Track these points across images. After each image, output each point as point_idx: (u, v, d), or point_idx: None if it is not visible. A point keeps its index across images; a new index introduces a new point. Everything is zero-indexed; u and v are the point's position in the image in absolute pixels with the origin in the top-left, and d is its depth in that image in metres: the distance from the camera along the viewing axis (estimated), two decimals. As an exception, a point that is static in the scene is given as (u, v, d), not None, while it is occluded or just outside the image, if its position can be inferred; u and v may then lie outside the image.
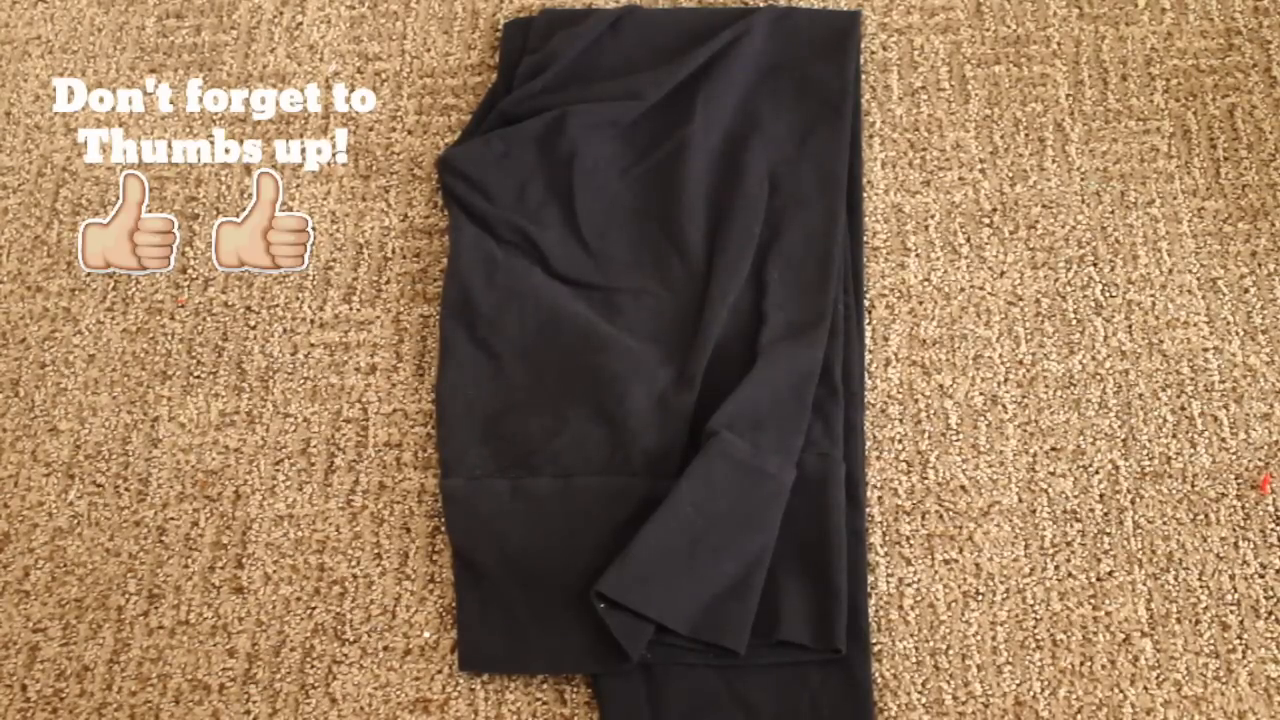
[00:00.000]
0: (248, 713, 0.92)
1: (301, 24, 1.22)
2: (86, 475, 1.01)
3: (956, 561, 0.95)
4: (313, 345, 1.06)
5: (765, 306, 1.02)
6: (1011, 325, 1.03)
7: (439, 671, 0.93)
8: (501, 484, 0.97)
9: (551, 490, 0.96)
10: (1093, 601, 0.93)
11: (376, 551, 0.97)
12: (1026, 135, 1.12)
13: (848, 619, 0.91)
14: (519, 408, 1.00)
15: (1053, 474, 0.97)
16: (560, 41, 1.15)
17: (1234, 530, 0.95)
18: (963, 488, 0.97)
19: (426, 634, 0.94)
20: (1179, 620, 0.92)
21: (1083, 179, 1.09)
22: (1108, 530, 0.95)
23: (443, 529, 0.97)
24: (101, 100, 1.19)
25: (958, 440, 0.99)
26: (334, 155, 1.15)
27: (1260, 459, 0.97)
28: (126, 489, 1.00)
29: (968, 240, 1.07)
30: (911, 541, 0.95)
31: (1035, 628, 0.92)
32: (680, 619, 0.89)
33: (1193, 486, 0.96)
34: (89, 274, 1.10)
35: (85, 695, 0.93)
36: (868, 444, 0.99)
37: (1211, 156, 1.10)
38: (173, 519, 0.99)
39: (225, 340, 1.06)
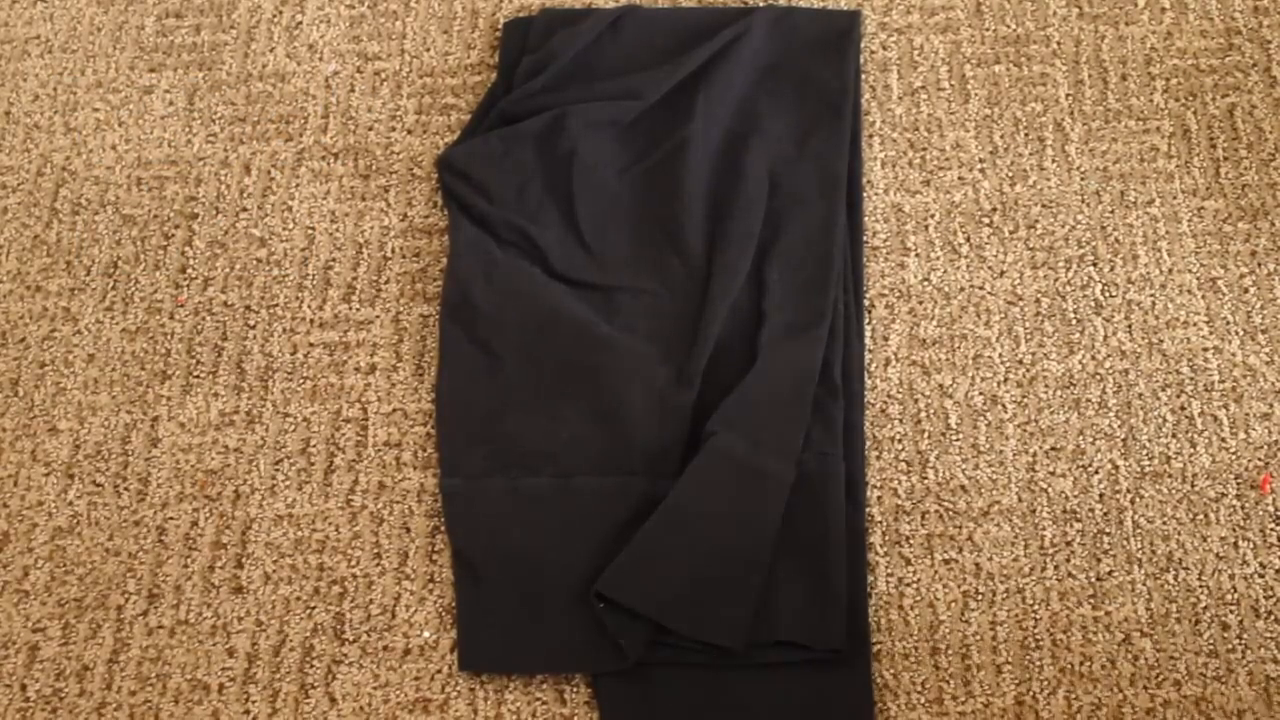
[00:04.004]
0: (247, 713, 0.92)
1: (301, 23, 1.22)
2: (86, 475, 1.01)
3: (956, 561, 0.95)
4: (312, 345, 1.06)
5: (765, 306, 1.02)
6: (1011, 325, 1.03)
7: (439, 671, 0.93)
8: (501, 484, 0.97)
9: (551, 490, 0.96)
10: (1092, 601, 0.93)
11: (376, 551, 0.97)
12: (1026, 135, 1.12)
13: (848, 619, 0.91)
14: (518, 407, 1.00)
15: (1053, 474, 0.97)
16: (560, 41, 1.15)
17: (1234, 530, 0.95)
18: (963, 488, 0.97)
19: (426, 634, 0.94)
20: (1179, 620, 0.92)
21: (1083, 179, 1.09)
22: (1108, 530, 0.95)
23: (443, 529, 0.97)
24: (102, 100, 1.19)
25: (958, 440, 0.99)
26: (334, 154, 1.15)
27: (1260, 459, 0.97)
28: (126, 489, 1.00)
29: (968, 240, 1.07)
30: (911, 541, 0.95)
31: (1035, 628, 0.92)
32: (679, 619, 0.89)
33: (1193, 486, 0.96)
34: (89, 273, 1.10)
35: (85, 695, 0.93)
36: (868, 444, 0.99)
37: (1211, 156, 1.10)
38: (172, 519, 0.99)
39: (225, 340, 1.06)
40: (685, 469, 0.95)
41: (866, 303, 1.05)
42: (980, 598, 0.93)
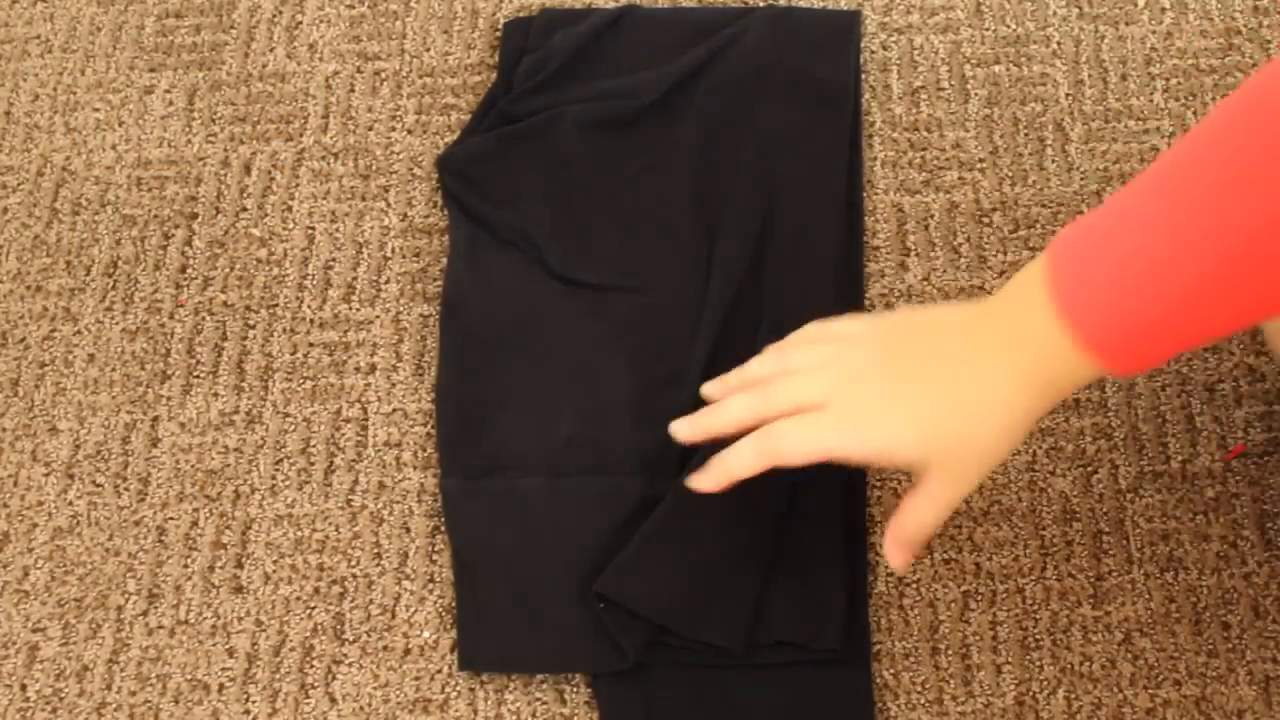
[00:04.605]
0: (247, 713, 0.92)
1: (301, 23, 1.22)
2: (86, 475, 1.01)
3: (956, 561, 0.95)
4: (312, 345, 1.06)
5: (763, 307, 1.02)
6: (1011, 325, 1.03)
7: (439, 671, 0.93)
8: (498, 483, 0.97)
9: (547, 490, 0.96)
10: (1092, 601, 0.93)
11: (376, 551, 0.97)
12: (1026, 135, 1.12)
13: (847, 619, 0.91)
14: (516, 407, 1.00)
15: (1053, 474, 0.97)
16: (560, 41, 1.15)
17: (1234, 530, 0.95)
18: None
19: (426, 634, 0.94)
20: (1179, 620, 0.92)
21: (1083, 179, 1.10)
22: (1107, 530, 0.95)
23: (443, 529, 0.97)
24: (102, 100, 1.19)
25: (957, 440, 0.99)
26: (334, 154, 1.15)
27: (1258, 458, 0.97)
28: (126, 489, 1.00)
29: (968, 240, 1.07)
30: (911, 541, 0.95)
31: (1035, 628, 0.92)
32: (679, 619, 0.89)
33: (1193, 486, 0.96)
34: (89, 273, 1.10)
35: (85, 695, 0.93)
36: (868, 444, 0.99)
37: (1211, 156, 1.10)
38: (172, 519, 0.99)
39: (225, 340, 1.06)
40: (683, 470, 0.95)
41: (866, 303, 1.05)
42: (980, 598, 0.93)
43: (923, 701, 0.90)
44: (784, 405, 0.83)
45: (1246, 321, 0.72)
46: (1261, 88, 0.65)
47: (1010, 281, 0.78)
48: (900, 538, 0.81)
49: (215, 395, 1.04)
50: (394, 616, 0.95)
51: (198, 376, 1.05)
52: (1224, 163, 0.66)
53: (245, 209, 1.12)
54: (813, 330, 0.87)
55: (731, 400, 0.86)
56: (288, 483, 1.00)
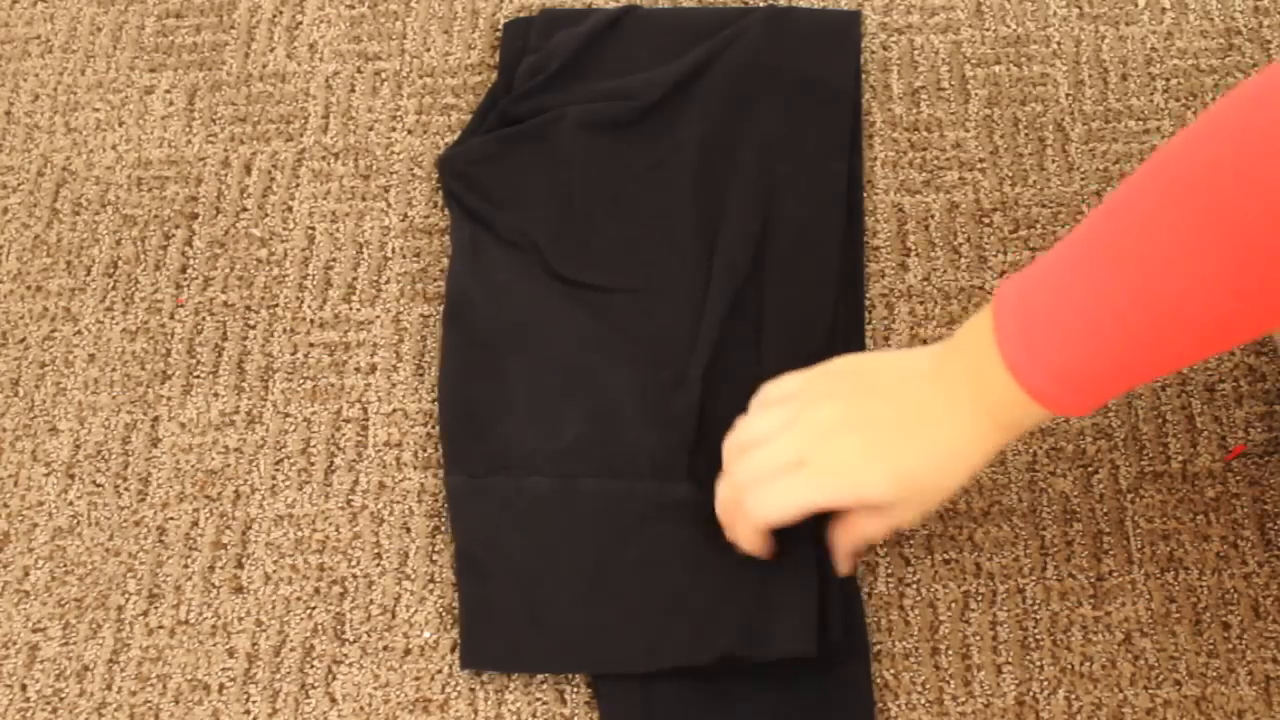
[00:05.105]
0: (248, 713, 0.92)
1: (301, 23, 1.22)
2: (86, 475, 1.01)
3: (956, 561, 0.95)
4: (312, 345, 1.06)
5: (764, 306, 1.02)
6: (1011, 325, 1.03)
7: (439, 671, 0.93)
8: (504, 482, 0.97)
9: (553, 491, 0.96)
10: (1093, 601, 0.93)
11: (376, 551, 0.97)
12: (1026, 135, 1.12)
13: (846, 619, 0.90)
14: (520, 408, 1.00)
15: (1053, 474, 0.97)
16: (560, 41, 1.15)
17: (1234, 530, 0.95)
18: (963, 488, 0.97)
19: (426, 634, 0.94)
20: (1179, 620, 0.92)
21: (1083, 179, 1.10)
22: (1108, 530, 0.95)
23: (443, 529, 0.97)
24: (102, 100, 1.19)
25: (958, 440, 0.99)
26: (334, 154, 1.15)
27: (1258, 458, 0.97)
28: (126, 489, 1.00)
29: (968, 240, 1.07)
30: (911, 541, 0.95)
31: (1035, 628, 0.92)
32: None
33: (1193, 486, 0.96)
34: (89, 273, 1.10)
35: (85, 695, 0.93)
36: (868, 444, 0.99)
37: (1211, 156, 1.10)
38: (173, 519, 0.99)
39: (225, 340, 1.06)
40: (693, 473, 0.94)
41: (867, 303, 1.05)
42: (980, 598, 0.93)
43: (923, 701, 0.90)
44: (763, 473, 0.86)
45: (1190, 362, 0.85)
46: (1179, 159, 0.70)
47: (961, 330, 0.82)
48: (854, 549, 0.89)
49: (215, 395, 1.04)
50: (394, 616, 0.95)
51: (198, 376, 1.05)
52: (1144, 234, 0.71)
53: (245, 209, 1.12)
54: (771, 391, 0.90)
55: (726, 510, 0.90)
56: (288, 483, 1.00)
